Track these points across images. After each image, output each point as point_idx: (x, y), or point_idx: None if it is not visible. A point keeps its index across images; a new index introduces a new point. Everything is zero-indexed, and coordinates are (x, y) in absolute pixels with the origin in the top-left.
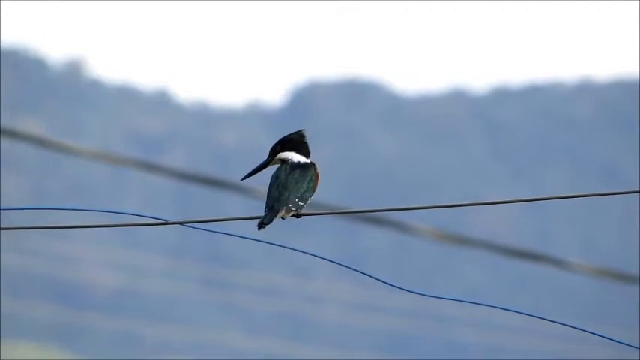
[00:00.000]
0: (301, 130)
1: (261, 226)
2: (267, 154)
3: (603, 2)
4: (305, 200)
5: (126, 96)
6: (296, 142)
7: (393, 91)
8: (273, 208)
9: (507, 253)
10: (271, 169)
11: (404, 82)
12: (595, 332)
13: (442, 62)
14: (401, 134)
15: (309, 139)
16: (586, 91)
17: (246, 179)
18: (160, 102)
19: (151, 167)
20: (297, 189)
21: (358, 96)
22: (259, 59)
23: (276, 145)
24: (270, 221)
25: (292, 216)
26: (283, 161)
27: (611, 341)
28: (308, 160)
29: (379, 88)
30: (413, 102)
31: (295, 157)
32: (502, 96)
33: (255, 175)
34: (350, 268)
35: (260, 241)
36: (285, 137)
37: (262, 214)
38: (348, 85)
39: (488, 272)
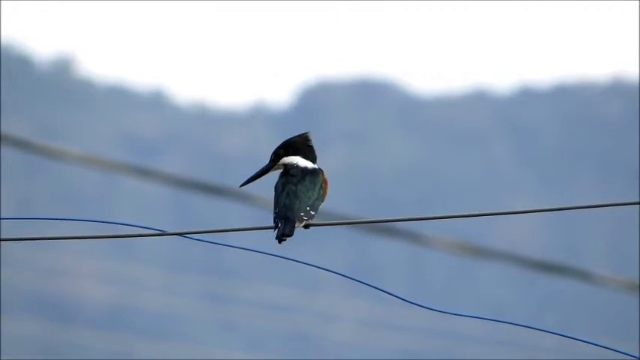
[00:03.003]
0: (306, 133)
1: (281, 238)
2: (269, 159)
3: None
4: (316, 209)
5: (119, 96)
6: (301, 145)
7: (409, 91)
8: (288, 218)
9: (533, 266)
10: (273, 175)
11: (420, 82)
12: (630, 354)
13: (462, 60)
14: (417, 138)
15: (314, 142)
16: (618, 91)
17: (246, 185)
18: (156, 103)
19: (146, 173)
20: (309, 197)
21: (371, 97)
22: (264, 57)
23: (278, 148)
24: (292, 233)
25: (302, 226)
26: (287, 166)
27: None
28: (315, 166)
29: (393, 88)
30: (430, 103)
31: (301, 162)
32: (527, 97)
33: (256, 181)
34: (362, 282)
35: (266, 253)
36: (288, 140)
37: (268, 223)
38: (359, 85)
39: (513, 287)
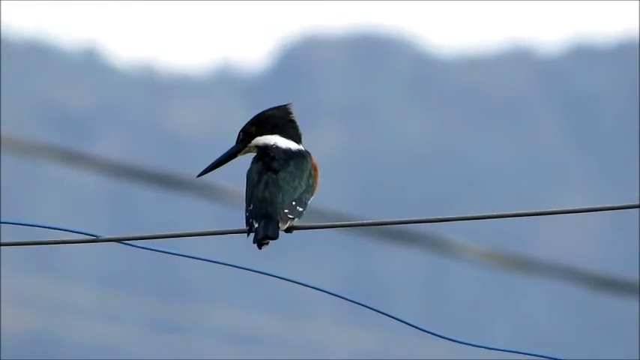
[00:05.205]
0: (286, 105)
1: (262, 242)
2: (237, 139)
3: None
4: (305, 204)
5: (40, 57)
6: (279, 120)
7: (426, 49)
8: (269, 216)
9: (591, 283)
10: (244, 161)
11: (441, 37)
12: None
13: (497, 10)
14: (436, 112)
15: (297, 116)
16: None
17: (206, 174)
18: (88, 65)
19: (76, 157)
20: (294, 188)
21: (374, 57)
22: (232, 6)
23: (249, 125)
24: (276, 234)
25: (284, 229)
26: (262, 149)
27: None
28: (300, 147)
29: (405, 45)
30: (453, 66)
31: (281, 143)
32: (583, 58)
33: (220, 168)
34: (363, 305)
35: (234, 266)
36: (262, 113)
37: (237, 225)
38: (360, 41)
39: (564, 310)
